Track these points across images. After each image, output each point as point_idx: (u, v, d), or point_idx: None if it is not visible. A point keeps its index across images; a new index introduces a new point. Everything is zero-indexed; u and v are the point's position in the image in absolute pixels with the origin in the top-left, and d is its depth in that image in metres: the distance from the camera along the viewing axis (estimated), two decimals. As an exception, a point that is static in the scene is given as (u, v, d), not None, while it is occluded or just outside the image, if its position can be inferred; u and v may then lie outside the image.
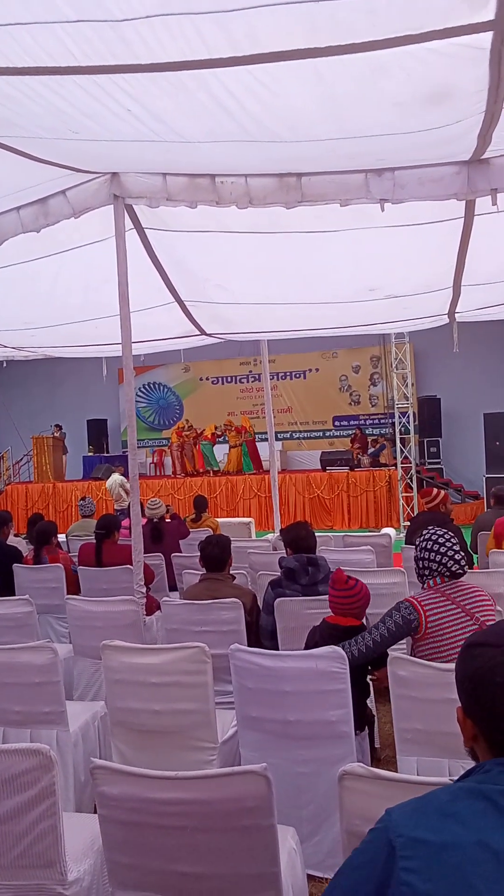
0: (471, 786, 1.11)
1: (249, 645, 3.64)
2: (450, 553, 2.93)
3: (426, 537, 3.03)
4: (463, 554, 2.99)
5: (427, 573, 2.99)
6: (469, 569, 3.04)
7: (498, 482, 11.15)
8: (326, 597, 3.67)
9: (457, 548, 2.97)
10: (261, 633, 3.85)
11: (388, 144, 3.66)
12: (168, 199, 4.21)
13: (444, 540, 2.97)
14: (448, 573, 2.93)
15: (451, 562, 2.92)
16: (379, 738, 3.73)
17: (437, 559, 2.94)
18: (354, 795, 1.76)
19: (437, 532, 3.03)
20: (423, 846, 1.04)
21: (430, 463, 15.29)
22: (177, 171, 4.15)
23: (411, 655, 2.90)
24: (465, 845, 1.02)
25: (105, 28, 2.55)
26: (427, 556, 2.98)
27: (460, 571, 2.94)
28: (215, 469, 15.96)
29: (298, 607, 3.65)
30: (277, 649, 3.63)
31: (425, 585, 3.00)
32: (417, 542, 3.07)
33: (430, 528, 3.10)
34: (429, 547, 2.98)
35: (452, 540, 2.98)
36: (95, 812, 1.97)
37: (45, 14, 2.45)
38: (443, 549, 2.94)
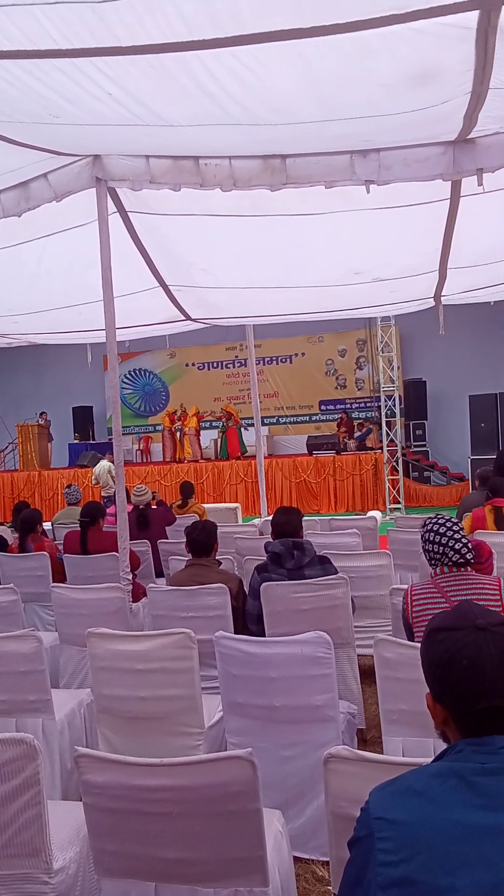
0: (444, 765, 1.13)
1: (236, 630, 3.65)
2: (450, 543, 2.84)
3: (429, 527, 2.94)
4: (466, 541, 2.87)
5: (433, 562, 2.91)
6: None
7: (483, 464, 11.20)
8: (312, 580, 3.69)
9: (457, 536, 2.86)
10: (247, 617, 3.86)
11: (374, 126, 3.63)
12: (151, 181, 4.16)
13: (444, 529, 2.88)
14: (450, 563, 2.85)
15: (451, 551, 2.84)
16: (364, 719, 3.76)
17: (440, 550, 2.86)
18: (340, 778, 1.77)
19: (441, 520, 2.94)
20: (397, 826, 1.07)
21: (416, 446, 15.34)
22: (160, 153, 4.10)
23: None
24: (438, 822, 1.04)
25: (85, 10, 2.50)
26: (429, 547, 2.91)
27: (462, 561, 2.84)
28: (243, 453, 15.64)
29: (284, 591, 3.66)
30: (264, 634, 3.63)
31: (432, 572, 2.93)
32: (422, 530, 2.98)
33: (435, 515, 3.01)
34: (430, 538, 2.90)
35: (455, 528, 2.89)
36: (81, 800, 1.96)
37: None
38: (443, 540, 2.85)
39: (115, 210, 4.96)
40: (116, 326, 4.57)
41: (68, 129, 3.65)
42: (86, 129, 3.68)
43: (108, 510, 6.16)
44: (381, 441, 13.95)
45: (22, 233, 5.01)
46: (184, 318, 7.66)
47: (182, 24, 2.59)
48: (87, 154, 4.18)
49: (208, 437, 16.52)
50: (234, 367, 18.79)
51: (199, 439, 16.07)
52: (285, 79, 3.09)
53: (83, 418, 18.71)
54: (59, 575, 5.37)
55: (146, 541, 5.94)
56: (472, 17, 2.64)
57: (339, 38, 2.73)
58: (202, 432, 16.32)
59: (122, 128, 3.62)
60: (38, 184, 4.27)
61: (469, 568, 2.88)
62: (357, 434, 15.52)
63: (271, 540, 3.93)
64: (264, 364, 17.52)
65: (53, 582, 4.96)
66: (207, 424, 16.84)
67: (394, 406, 13.83)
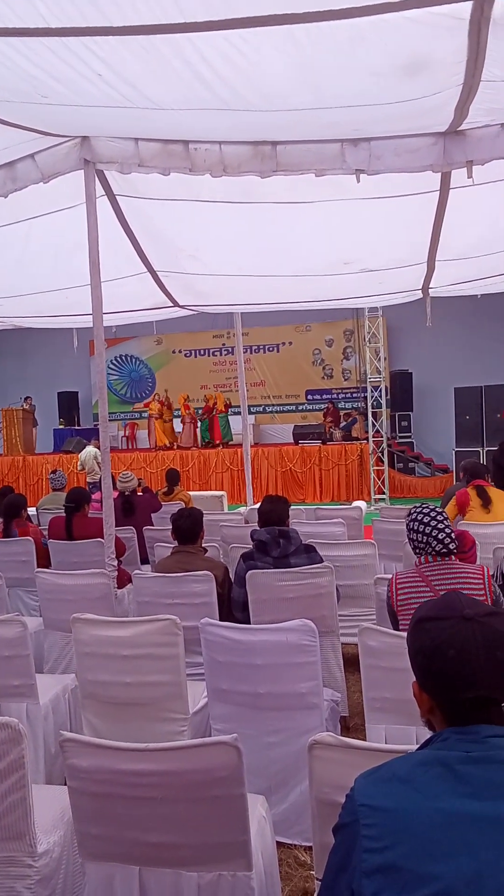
0: (429, 753, 1.15)
1: (221, 617, 3.66)
2: (433, 533, 2.87)
3: (414, 516, 2.97)
4: (450, 531, 2.91)
5: (417, 551, 2.95)
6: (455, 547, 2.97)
7: (467, 456, 11.29)
8: (298, 569, 3.70)
9: (441, 526, 2.89)
10: (233, 605, 3.87)
11: (365, 115, 3.61)
12: (140, 164, 4.12)
13: (429, 519, 2.90)
14: (433, 552, 2.88)
15: (435, 541, 2.87)
16: (347, 707, 3.79)
17: (423, 539, 2.89)
18: (324, 764, 1.78)
19: (426, 510, 2.97)
20: (382, 813, 1.08)
21: (401, 437, 15.39)
22: (149, 136, 4.06)
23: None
24: (422, 810, 1.05)
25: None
26: (413, 536, 2.94)
27: (445, 551, 2.87)
28: (227, 441, 15.71)
29: (270, 579, 3.67)
30: (249, 621, 3.65)
31: (417, 561, 2.96)
32: (407, 520, 3.01)
33: (420, 505, 3.04)
34: (414, 528, 2.92)
35: (439, 518, 2.92)
36: (66, 784, 1.97)
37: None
38: (427, 529, 2.88)
39: (103, 193, 4.92)
40: (103, 311, 4.54)
41: (57, 110, 3.61)
42: (75, 110, 3.64)
43: (93, 496, 6.14)
44: (366, 431, 13.99)
45: (7, 214, 4.96)
46: (171, 304, 7.62)
47: (174, 5, 2.56)
48: (76, 135, 4.14)
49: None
50: (220, 354, 18.74)
51: (194, 426, 16.10)
52: (277, 64, 3.06)
53: (68, 404, 18.60)
54: (44, 560, 5.36)
55: (131, 527, 5.93)
56: (466, 7, 2.63)
57: (332, 24, 2.71)
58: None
59: (112, 110, 3.58)
60: (25, 164, 4.22)
61: (453, 557, 2.91)
62: (343, 424, 15.55)
63: (257, 528, 3.94)
64: (251, 352, 17.47)
65: (38, 567, 4.95)
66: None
67: (380, 397, 13.86)
